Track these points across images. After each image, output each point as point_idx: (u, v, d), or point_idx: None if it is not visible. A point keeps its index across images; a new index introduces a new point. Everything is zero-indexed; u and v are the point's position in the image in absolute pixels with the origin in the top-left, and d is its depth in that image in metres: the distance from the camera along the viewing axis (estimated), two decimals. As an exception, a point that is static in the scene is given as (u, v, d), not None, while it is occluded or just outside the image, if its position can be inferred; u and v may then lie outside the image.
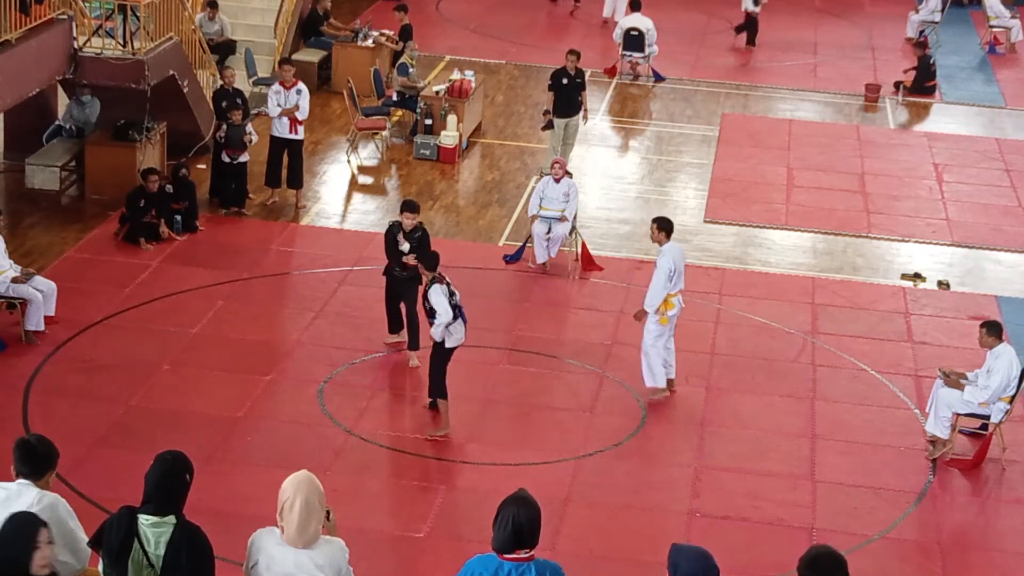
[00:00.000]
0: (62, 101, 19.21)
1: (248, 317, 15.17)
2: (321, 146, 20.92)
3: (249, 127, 17.99)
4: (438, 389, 12.88)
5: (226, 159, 17.92)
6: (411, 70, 21.41)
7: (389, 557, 11.11)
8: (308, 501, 6.70)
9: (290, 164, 18.37)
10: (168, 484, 6.77)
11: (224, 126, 17.86)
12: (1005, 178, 21.49)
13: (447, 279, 12.76)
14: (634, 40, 25.31)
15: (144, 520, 6.74)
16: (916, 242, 18.72)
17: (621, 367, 14.47)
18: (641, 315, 13.81)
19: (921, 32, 27.70)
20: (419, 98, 21.08)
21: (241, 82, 20.68)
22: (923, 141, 23.19)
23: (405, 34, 23.36)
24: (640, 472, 12.65)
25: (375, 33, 23.84)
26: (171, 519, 6.74)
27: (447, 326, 12.60)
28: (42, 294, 14.19)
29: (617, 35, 25.50)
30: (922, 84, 25.67)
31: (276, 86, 18.23)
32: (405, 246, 14.02)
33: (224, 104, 18.09)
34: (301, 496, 6.69)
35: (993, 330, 13.21)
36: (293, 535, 6.72)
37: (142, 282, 15.77)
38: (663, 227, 13.66)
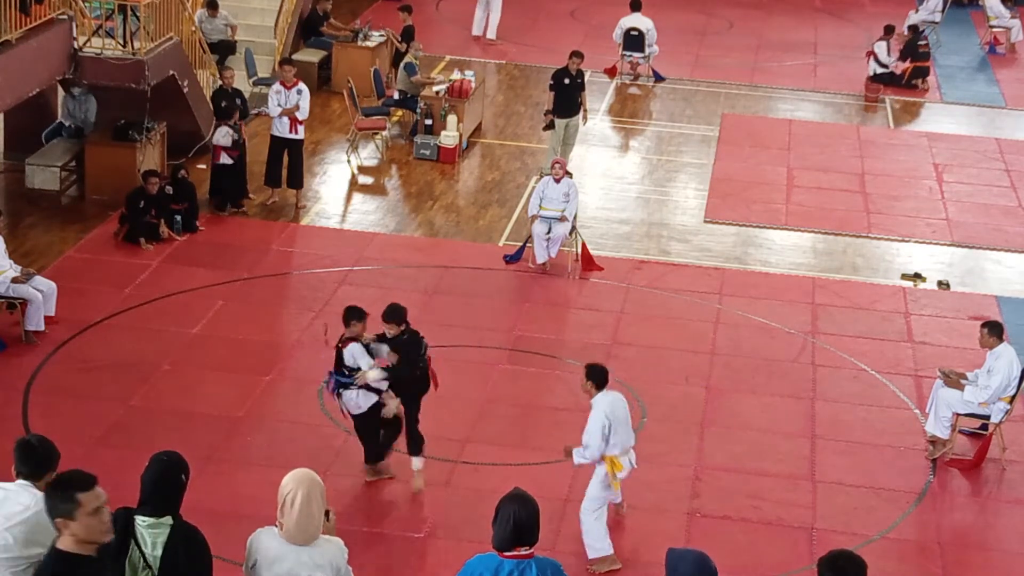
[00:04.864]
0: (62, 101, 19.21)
1: (248, 317, 15.17)
2: (321, 146, 20.92)
3: (225, 129, 17.84)
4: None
5: (228, 160, 17.90)
6: (418, 69, 21.45)
7: (389, 557, 11.11)
8: (309, 495, 6.69)
9: (290, 164, 18.37)
10: (164, 485, 6.76)
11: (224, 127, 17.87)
12: (1005, 178, 21.48)
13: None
14: (634, 40, 25.31)
15: (141, 521, 6.73)
16: (916, 242, 18.72)
17: (621, 367, 14.45)
18: (568, 453, 11.31)
19: (921, 32, 27.68)
20: (419, 98, 21.10)
21: (241, 82, 20.68)
22: (923, 141, 23.19)
23: (407, 34, 23.38)
24: (640, 472, 12.63)
25: (375, 33, 23.84)
26: (168, 520, 6.73)
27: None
28: (42, 294, 14.18)
29: (617, 35, 25.50)
30: (911, 56, 25.74)
31: (277, 86, 18.23)
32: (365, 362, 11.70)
33: (224, 104, 18.08)
34: (302, 490, 6.69)
35: (994, 330, 13.21)
36: (293, 531, 6.71)
37: (142, 282, 15.77)
38: (591, 376, 11.03)
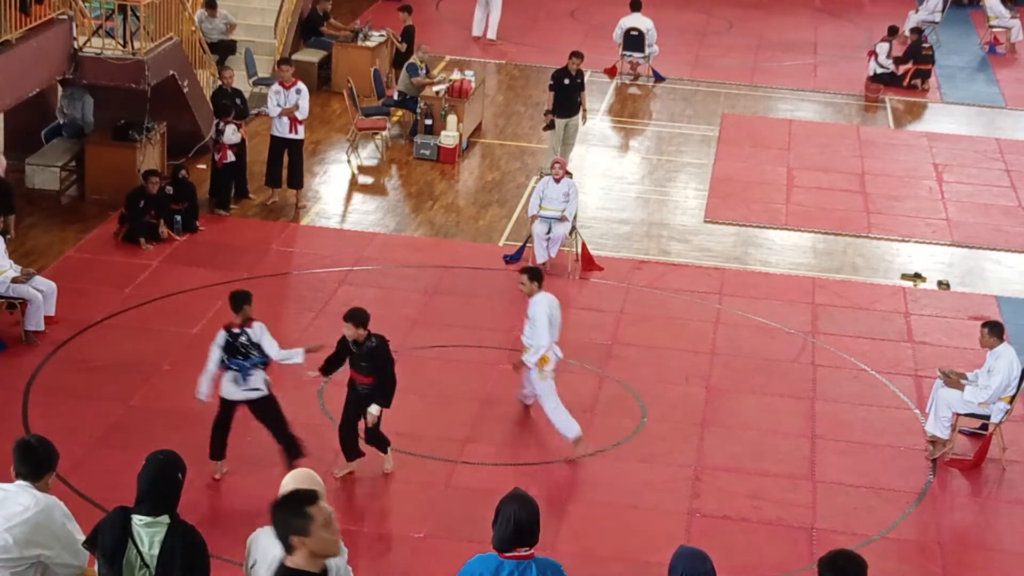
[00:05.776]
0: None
1: (248, 317, 15.15)
2: (321, 146, 20.92)
3: (233, 127, 17.90)
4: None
5: (232, 158, 17.92)
6: (421, 71, 21.45)
7: (389, 557, 11.11)
8: (309, 493, 6.68)
9: (290, 164, 18.37)
10: (161, 484, 6.75)
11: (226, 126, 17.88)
12: (1005, 178, 21.48)
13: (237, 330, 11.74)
14: (634, 40, 25.31)
15: (138, 520, 6.72)
16: (916, 242, 18.72)
17: (621, 367, 14.47)
18: (518, 365, 12.89)
19: (921, 32, 27.69)
20: (419, 98, 21.11)
21: (241, 82, 20.68)
22: (923, 141, 23.19)
23: (408, 35, 23.37)
24: (640, 472, 12.65)
25: (375, 33, 23.83)
26: (165, 519, 6.72)
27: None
28: (42, 294, 14.18)
29: (617, 35, 25.50)
30: (914, 59, 25.75)
31: (276, 86, 18.24)
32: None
33: (224, 103, 18.09)
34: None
35: (995, 330, 13.21)
36: (292, 530, 6.69)
37: (142, 282, 15.77)
38: (534, 277, 12.75)
